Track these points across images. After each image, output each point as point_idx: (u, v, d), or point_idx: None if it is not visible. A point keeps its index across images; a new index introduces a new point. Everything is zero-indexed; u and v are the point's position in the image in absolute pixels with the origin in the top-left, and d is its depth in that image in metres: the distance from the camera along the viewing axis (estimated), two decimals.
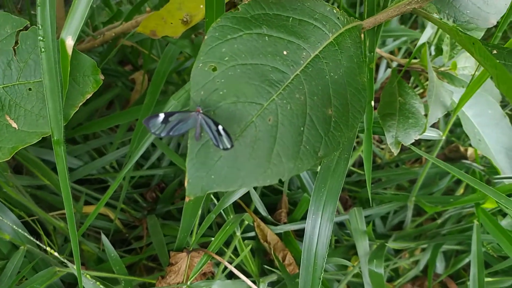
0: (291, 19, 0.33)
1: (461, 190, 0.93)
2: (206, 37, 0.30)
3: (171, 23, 0.61)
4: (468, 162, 0.82)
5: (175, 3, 0.62)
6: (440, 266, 0.86)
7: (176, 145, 1.00)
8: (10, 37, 0.36)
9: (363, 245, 0.70)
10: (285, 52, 0.31)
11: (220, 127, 0.28)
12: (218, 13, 0.47)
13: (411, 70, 0.69)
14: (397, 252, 0.91)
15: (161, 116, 0.29)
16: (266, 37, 0.31)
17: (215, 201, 0.73)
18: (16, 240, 0.60)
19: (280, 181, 0.29)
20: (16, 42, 0.36)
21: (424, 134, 0.59)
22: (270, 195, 0.95)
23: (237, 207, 0.80)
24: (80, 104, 0.36)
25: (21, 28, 0.36)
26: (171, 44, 0.65)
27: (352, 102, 0.33)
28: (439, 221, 0.83)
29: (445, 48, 0.63)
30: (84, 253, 0.81)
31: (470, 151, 0.86)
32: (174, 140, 0.99)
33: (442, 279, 0.83)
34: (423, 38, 0.57)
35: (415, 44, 1.30)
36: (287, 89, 0.31)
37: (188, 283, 0.54)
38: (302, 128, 0.30)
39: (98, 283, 0.54)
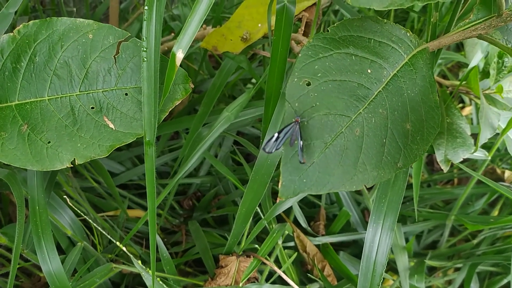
0: (372, 40, 0.36)
1: (495, 212, 0.94)
2: (299, 55, 0.33)
3: (231, 39, 0.65)
4: (506, 184, 0.83)
5: (235, 22, 0.66)
6: (474, 286, 0.86)
7: (213, 155, 1.03)
8: (112, 47, 0.40)
9: (403, 261, 0.71)
10: (369, 71, 0.34)
11: (301, 143, 0.31)
12: (285, 33, 0.50)
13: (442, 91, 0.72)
14: (430, 271, 0.91)
15: (275, 136, 0.33)
16: (353, 56, 0.34)
17: (259, 212, 0.75)
18: (75, 236, 0.64)
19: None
20: (117, 52, 0.40)
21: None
22: (305, 208, 0.97)
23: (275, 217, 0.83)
24: (170, 109, 0.40)
25: (122, 39, 0.40)
26: (228, 59, 0.68)
27: (427, 119, 0.36)
28: (475, 241, 0.84)
29: (492, 71, 0.65)
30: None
31: (507, 173, 0.87)
32: (212, 151, 1.02)
33: None
34: (474, 62, 0.59)
35: (448, 67, 1.33)
36: (372, 104, 0.34)
37: (240, 285, 0.57)
38: (384, 140, 0.33)
39: (158, 279, 0.57)
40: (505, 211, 0.96)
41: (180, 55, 0.35)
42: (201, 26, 0.77)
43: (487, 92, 0.68)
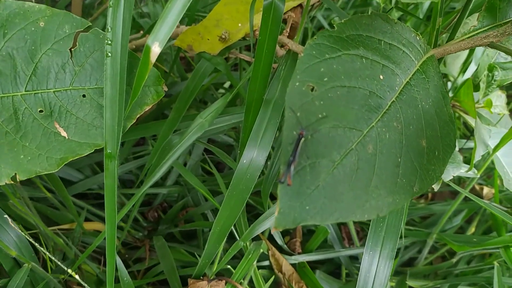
0: (382, 42, 0.31)
1: (472, 229, 0.92)
2: (302, 54, 0.27)
3: (208, 39, 0.58)
4: (486, 201, 0.81)
5: (213, 20, 0.60)
6: None
7: (182, 163, 0.96)
8: (67, 38, 0.33)
9: None
10: (381, 77, 0.29)
11: (295, 161, 0.25)
12: (272, 33, 0.45)
13: None
14: None
15: (291, 159, 0.26)
16: (364, 59, 0.29)
17: (232, 229, 0.69)
18: (21, 257, 0.55)
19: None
20: (74, 44, 0.33)
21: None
22: None
23: None
24: (138, 116, 0.33)
25: (82, 30, 0.33)
26: (203, 61, 0.62)
27: (442, 135, 0.31)
28: (454, 260, 0.81)
29: (482, 85, 0.63)
30: (84, 274, 0.75)
31: (485, 190, 0.86)
32: (181, 159, 0.95)
33: None
34: (467, 74, 0.56)
35: None
36: (386, 116, 0.29)
37: None
38: (399, 159, 0.28)
39: None
40: (481, 228, 0.94)
41: (156, 50, 0.28)
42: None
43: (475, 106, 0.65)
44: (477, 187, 0.88)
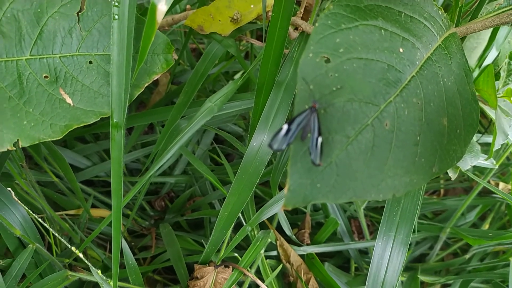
0: (403, 14, 0.29)
1: (486, 226, 0.90)
2: (317, 24, 0.26)
3: (219, 20, 0.57)
4: (499, 196, 0.79)
5: (224, 1, 0.58)
6: None
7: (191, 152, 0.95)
8: (75, 1, 0.31)
9: None
10: (401, 50, 0.28)
11: (319, 139, 0.24)
12: (286, 10, 0.43)
13: None
14: None
15: (285, 128, 0.25)
16: (382, 31, 0.27)
17: (240, 216, 0.68)
18: (26, 237, 0.55)
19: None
20: (82, 8, 0.31)
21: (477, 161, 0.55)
22: (287, 213, 0.91)
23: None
24: (146, 85, 0.32)
25: None
26: (214, 43, 0.61)
27: (464, 114, 0.29)
28: (467, 256, 0.79)
29: (502, 73, 0.60)
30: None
31: (501, 185, 0.83)
32: (189, 149, 0.94)
33: None
34: (488, 60, 0.54)
35: None
36: (405, 92, 0.27)
37: None
38: (417, 138, 0.26)
39: None
40: (495, 225, 0.92)
41: (162, 8, 0.26)
42: (186, 8, 0.69)
43: None
44: (492, 182, 0.86)
